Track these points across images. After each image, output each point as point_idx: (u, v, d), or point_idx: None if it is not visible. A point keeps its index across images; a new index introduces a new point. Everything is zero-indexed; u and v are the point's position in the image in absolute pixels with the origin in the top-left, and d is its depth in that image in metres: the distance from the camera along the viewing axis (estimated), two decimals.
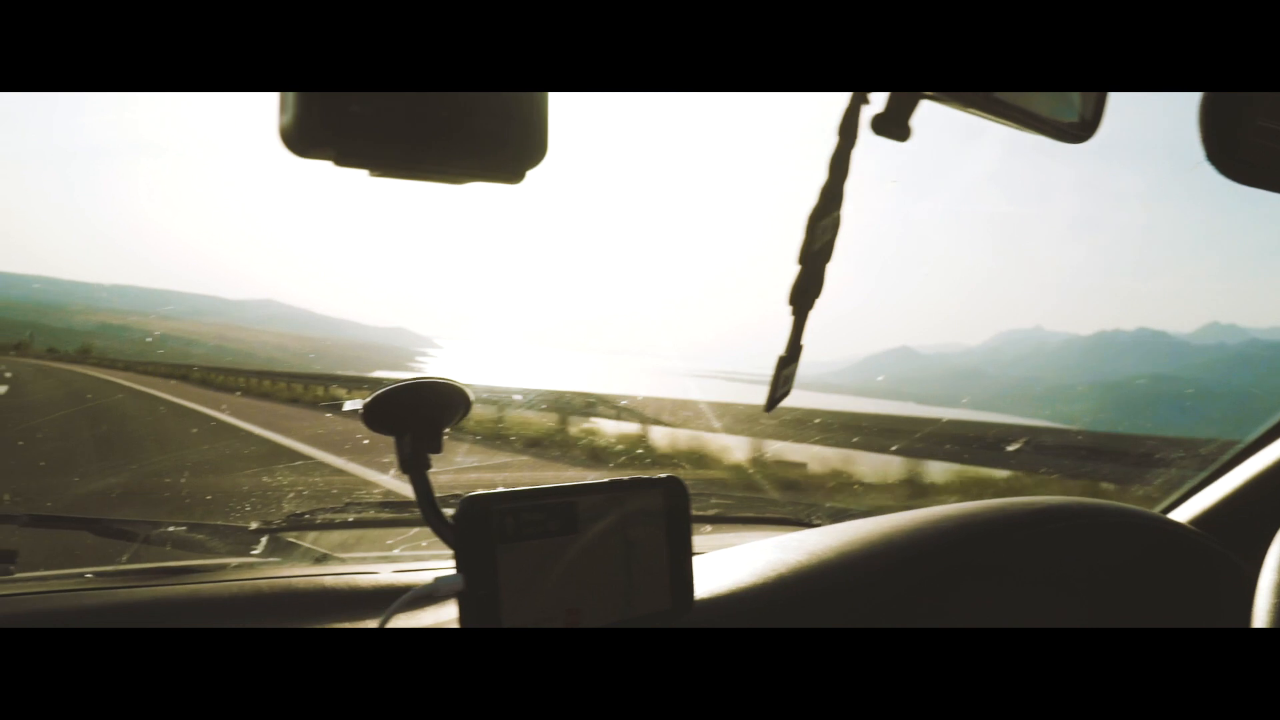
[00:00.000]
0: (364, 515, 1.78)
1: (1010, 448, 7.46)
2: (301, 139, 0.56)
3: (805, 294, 0.83)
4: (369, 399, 1.02)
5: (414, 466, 1.02)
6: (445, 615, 1.16)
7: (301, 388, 15.88)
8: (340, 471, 6.50)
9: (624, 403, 12.30)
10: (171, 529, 1.57)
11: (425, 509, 1.01)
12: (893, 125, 0.78)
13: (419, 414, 1.04)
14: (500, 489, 0.95)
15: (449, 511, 0.98)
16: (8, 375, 19.89)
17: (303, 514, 1.72)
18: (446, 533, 0.98)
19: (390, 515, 1.82)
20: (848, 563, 1.31)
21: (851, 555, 1.32)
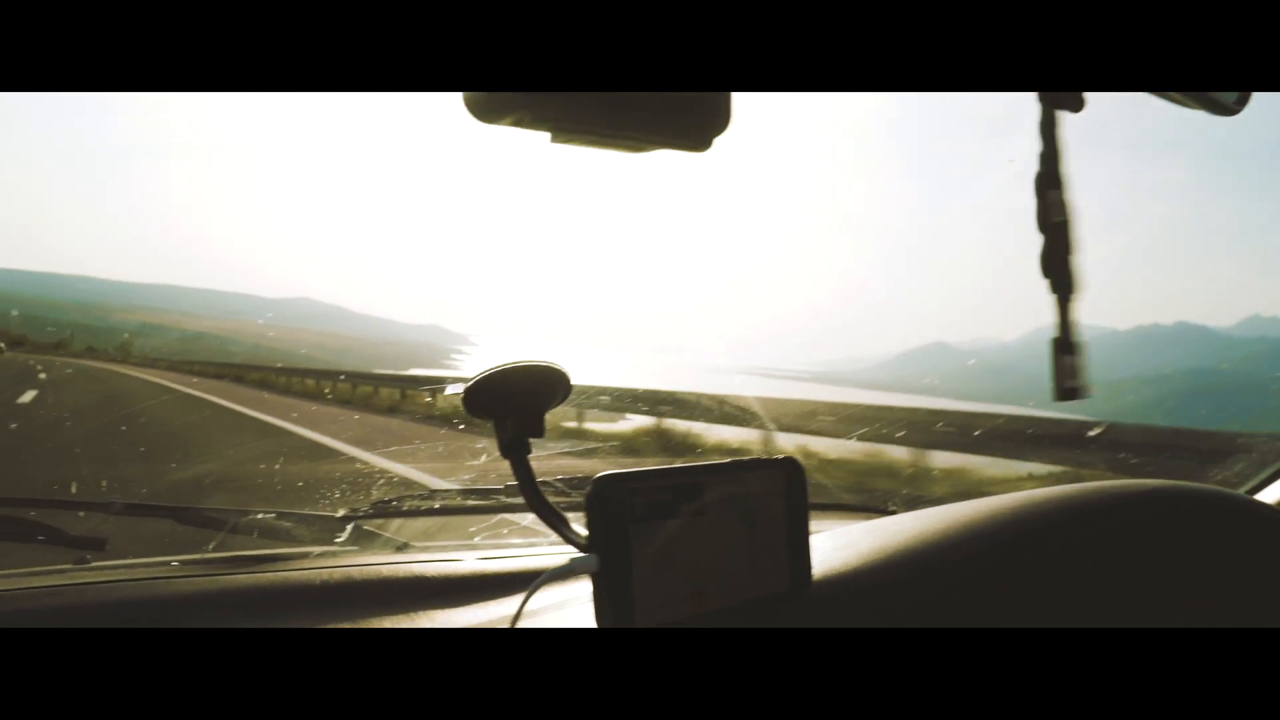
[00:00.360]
0: (449, 502, 1.77)
1: (1088, 434, 7.34)
2: (489, 104, 0.58)
3: (1060, 269, 0.83)
4: (470, 382, 1.00)
5: (514, 450, 1.01)
6: (561, 597, 1.16)
7: (399, 394, 15.20)
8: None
9: (675, 398, 12.39)
10: (260, 516, 1.56)
11: (528, 493, 1.00)
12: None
13: (520, 397, 1.02)
14: (630, 469, 0.93)
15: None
16: (40, 376, 20.08)
17: (389, 501, 1.72)
18: (551, 516, 0.97)
19: (476, 502, 1.80)
20: (940, 547, 1.27)
21: (943, 540, 1.29)
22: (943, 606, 1.20)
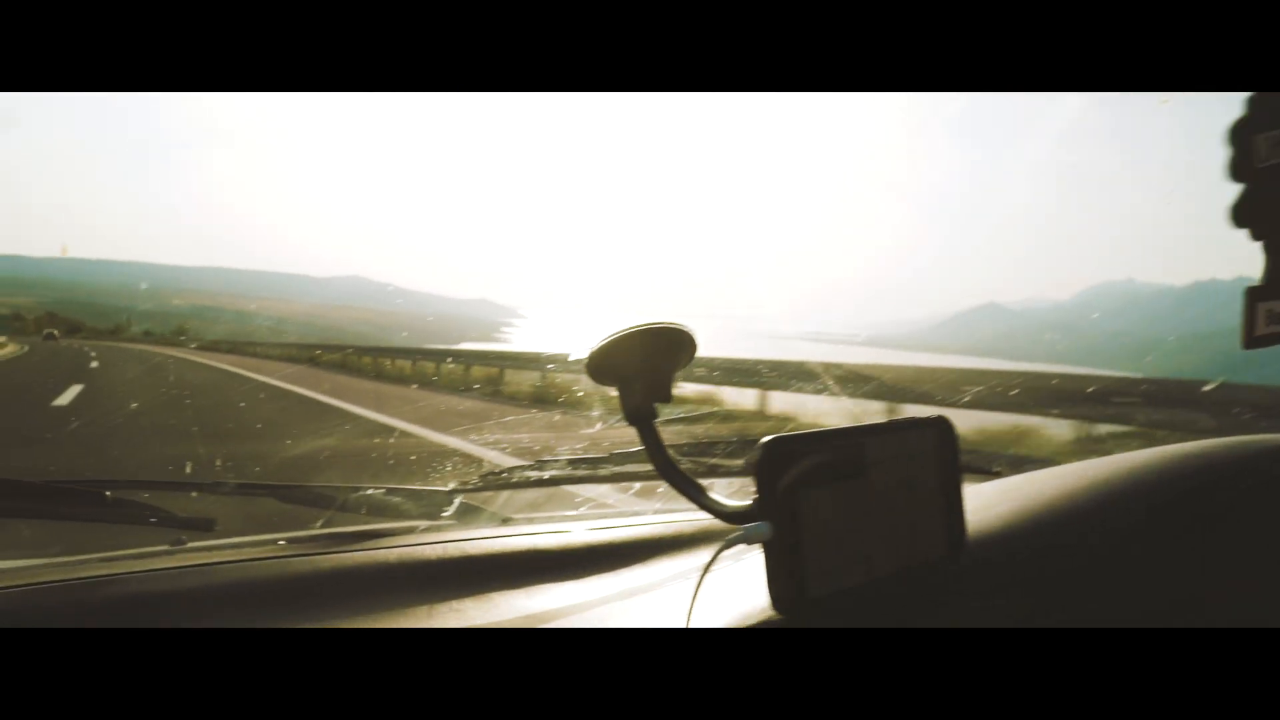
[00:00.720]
0: (559, 473, 1.74)
1: (1202, 390, 7.16)
2: None
3: (1269, 215, 0.81)
4: (594, 347, 0.97)
5: (641, 416, 0.98)
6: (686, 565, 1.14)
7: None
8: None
9: (747, 367, 12.26)
10: (370, 492, 1.54)
11: (659, 460, 0.98)
12: None
13: (648, 361, 0.99)
14: (796, 431, 0.88)
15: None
16: (93, 364, 19.82)
17: (496, 473, 1.69)
18: (686, 484, 0.96)
19: (584, 472, 1.77)
20: (1061, 510, 1.21)
21: (1064, 502, 1.22)
22: (1105, 568, 1.14)
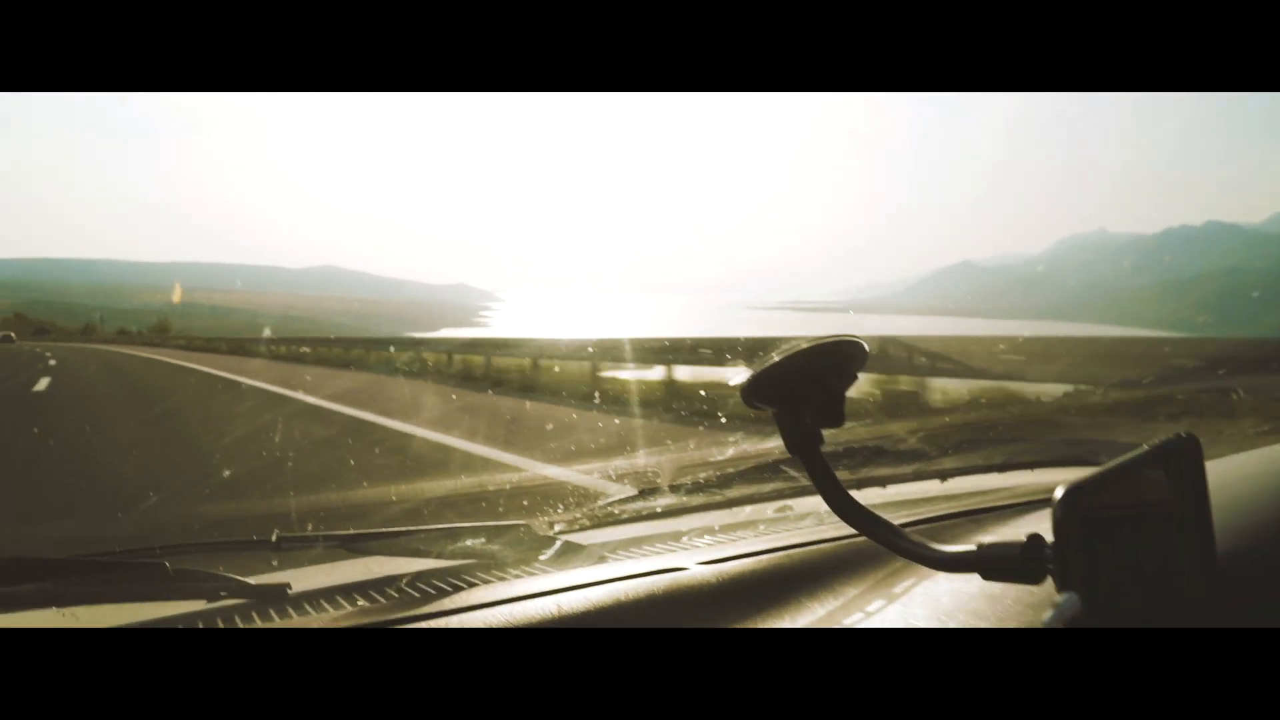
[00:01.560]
0: (671, 504, 1.59)
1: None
2: None
3: None
4: (757, 370, 0.88)
5: (808, 445, 0.89)
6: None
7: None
8: None
9: (727, 347, 11.93)
10: (468, 542, 1.38)
11: (833, 494, 0.89)
12: None
13: (818, 380, 0.89)
14: (1081, 476, 0.77)
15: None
16: (41, 385, 14.93)
17: (602, 507, 1.55)
18: (874, 524, 0.88)
19: (702, 501, 1.60)
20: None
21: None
22: None
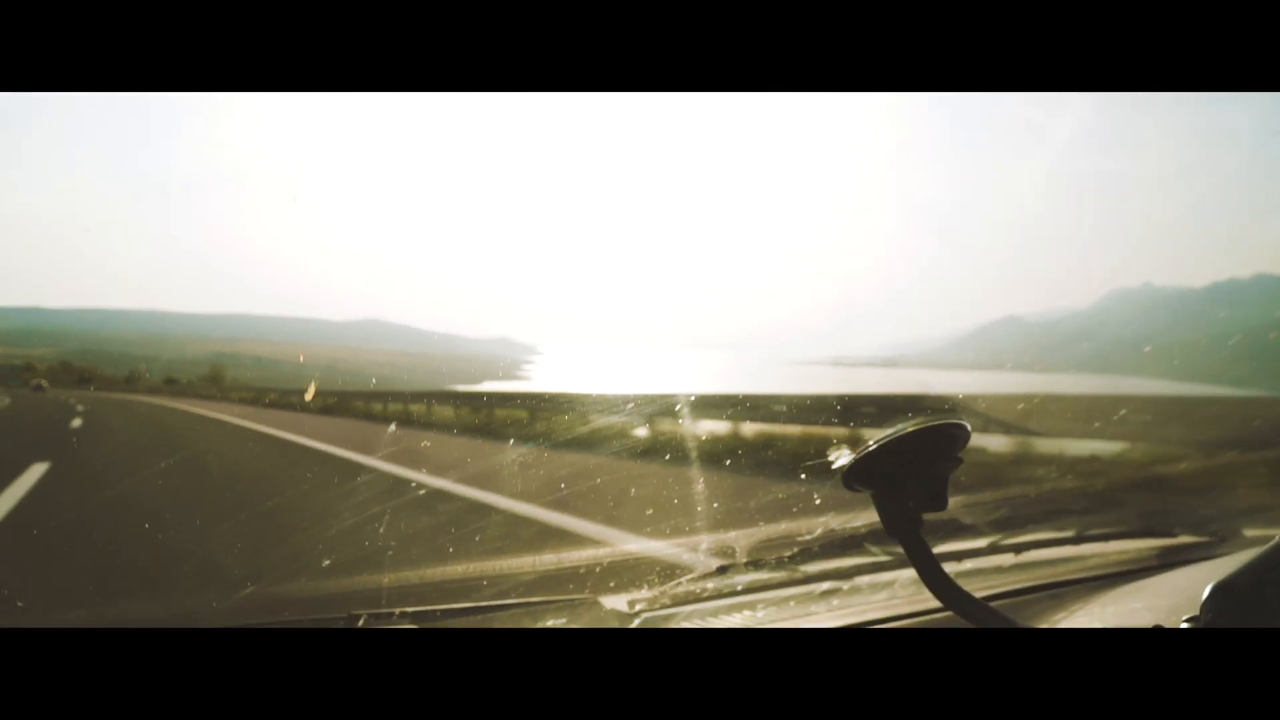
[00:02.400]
0: (754, 580, 1.52)
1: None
2: None
3: None
4: (860, 454, 0.87)
5: (909, 528, 0.87)
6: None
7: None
8: None
9: (783, 403, 11.66)
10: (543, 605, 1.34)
11: (933, 577, 0.87)
12: None
13: (920, 466, 0.87)
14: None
15: None
16: (75, 424, 15.54)
17: (688, 583, 1.48)
18: (975, 609, 0.87)
19: (784, 577, 1.54)
20: None
21: None
22: None
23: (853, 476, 0.89)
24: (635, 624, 1.30)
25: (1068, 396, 8.93)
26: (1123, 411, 8.28)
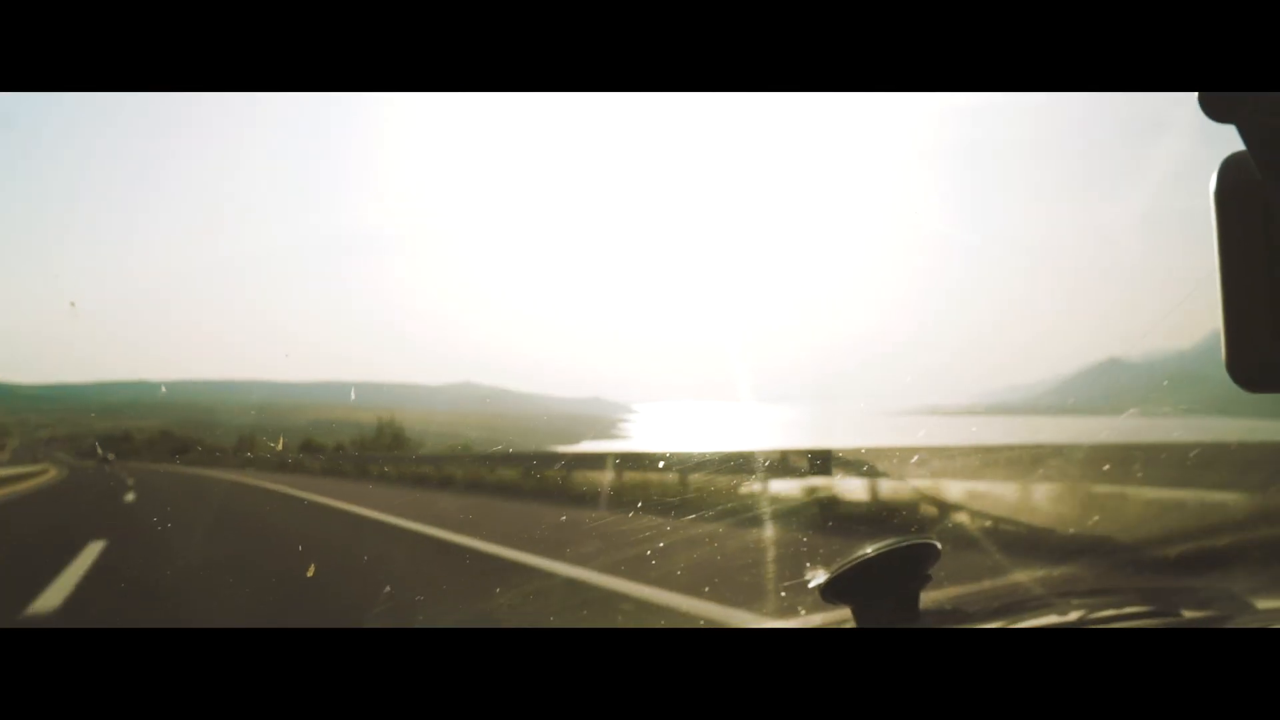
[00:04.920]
0: None
1: None
2: None
3: None
4: (834, 572, 0.94)
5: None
6: None
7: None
8: None
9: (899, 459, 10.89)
10: None
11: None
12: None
13: (892, 584, 0.95)
14: None
15: None
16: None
17: None
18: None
19: None
20: None
21: None
22: None
23: (830, 594, 0.94)
24: None
25: (1170, 444, 8.51)
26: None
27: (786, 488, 11.44)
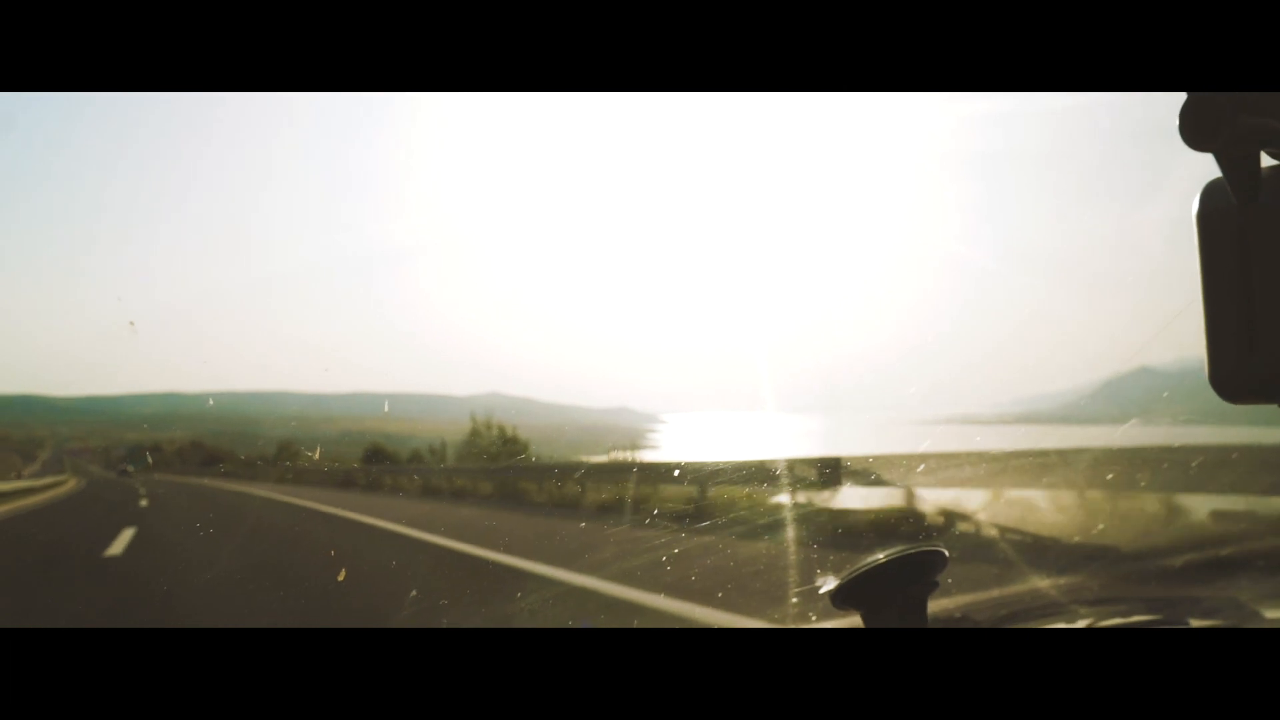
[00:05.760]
0: None
1: None
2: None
3: None
4: (844, 578, 0.98)
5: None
6: None
7: None
8: None
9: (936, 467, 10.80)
10: None
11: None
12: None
13: (900, 589, 0.98)
14: None
15: None
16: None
17: None
18: None
19: None
20: None
21: None
22: None
23: (840, 599, 0.98)
24: None
25: (1201, 447, 8.38)
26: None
27: (813, 496, 10.90)
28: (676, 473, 14.45)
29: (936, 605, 1.07)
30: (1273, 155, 0.73)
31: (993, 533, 7.93)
